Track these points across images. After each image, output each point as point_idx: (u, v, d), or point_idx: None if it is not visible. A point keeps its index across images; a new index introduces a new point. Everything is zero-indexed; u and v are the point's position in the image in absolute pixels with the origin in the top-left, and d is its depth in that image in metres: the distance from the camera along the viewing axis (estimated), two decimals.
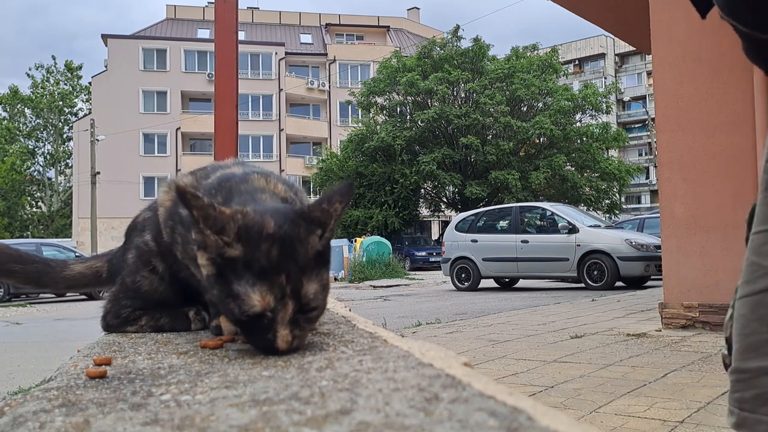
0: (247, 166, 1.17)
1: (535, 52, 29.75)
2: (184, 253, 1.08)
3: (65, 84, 47.05)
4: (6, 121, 45.96)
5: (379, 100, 29.76)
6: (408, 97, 28.94)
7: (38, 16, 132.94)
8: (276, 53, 41.66)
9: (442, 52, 29.16)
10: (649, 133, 46.62)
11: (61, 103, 46.61)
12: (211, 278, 0.86)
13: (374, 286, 15.23)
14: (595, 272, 10.75)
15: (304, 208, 0.90)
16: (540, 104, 28.77)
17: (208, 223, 0.83)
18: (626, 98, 57.02)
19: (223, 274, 0.84)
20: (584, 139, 27.73)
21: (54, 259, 1.33)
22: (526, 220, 12.43)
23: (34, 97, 45.93)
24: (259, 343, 0.84)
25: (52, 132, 47.05)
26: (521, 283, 13.09)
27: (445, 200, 30.06)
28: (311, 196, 35.00)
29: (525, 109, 28.87)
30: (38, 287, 1.28)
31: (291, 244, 0.84)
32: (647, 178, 51.94)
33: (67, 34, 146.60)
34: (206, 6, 44.85)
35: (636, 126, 55.78)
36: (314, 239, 0.86)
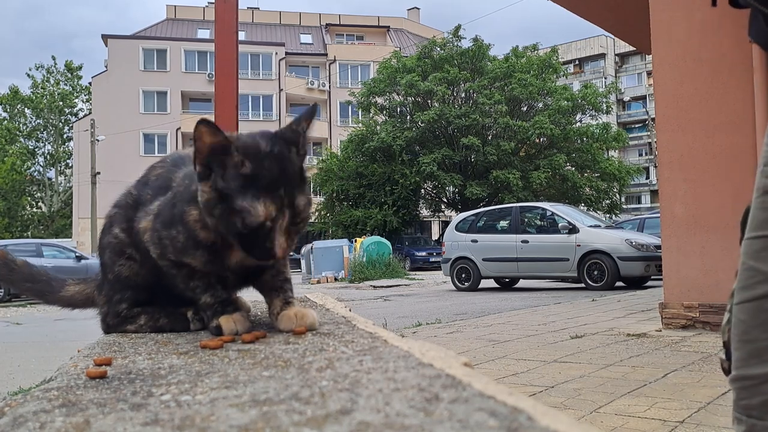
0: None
1: (535, 52, 29.74)
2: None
3: (65, 84, 47.05)
4: (6, 122, 45.95)
5: (379, 100, 29.76)
6: (408, 98, 28.95)
7: (37, 15, 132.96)
8: (276, 53, 41.66)
9: (443, 52, 29.16)
10: (649, 133, 46.61)
11: (61, 103, 46.60)
12: (211, 202, 0.95)
13: (374, 287, 15.23)
14: (596, 272, 10.75)
15: (277, 132, 0.99)
16: (540, 104, 28.77)
17: (215, 147, 0.93)
18: (626, 98, 57.01)
19: (225, 195, 0.94)
20: (584, 139, 27.74)
21: (55, 278, 1.48)
22: (526, 220, 12.42)
23: (34, 98, 45.93)
24: (256, 252, 0.95)
25: (52, 132, 47.05)
26: (521, 283, 13.08)
27: (445, 200, 30.06)
28: (311, 196, 34.89)
29: (525, 109, 28.88)
30: (42, 302, 1.46)
31: (283, 160, 0.94)
32: (647, 178, 51.93)
33: (65, 34, 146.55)
34: (206, 6, 44.86)
35: (636, 126, 55.77)
36: (294, 156, 0.96)
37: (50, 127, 46.95)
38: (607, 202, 28.85)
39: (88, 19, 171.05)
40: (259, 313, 1.34)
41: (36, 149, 47.56)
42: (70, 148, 45.68)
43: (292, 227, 0.95)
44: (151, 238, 1.13)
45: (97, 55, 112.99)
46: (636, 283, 10.92)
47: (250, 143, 0.95)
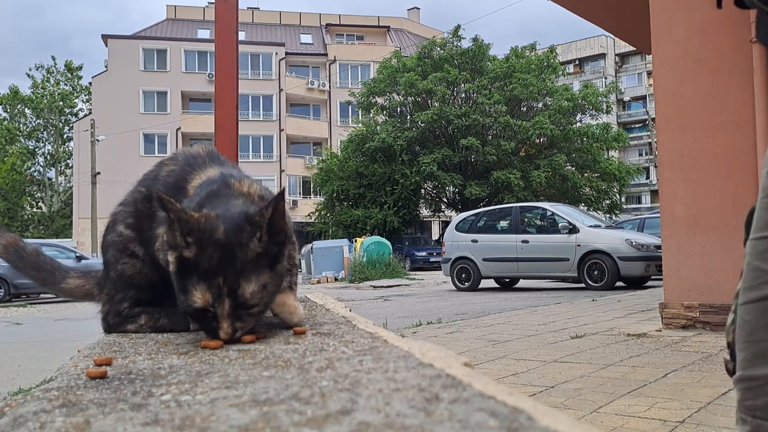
0: (223, 165, 1.27)
1: (534, 51, 29.75)
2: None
3: (65, 84, 47.06)
4: (6, 122, 45.96)
5: (379, 100, 29.77)
6: (408, 98, 28.95)
7: (36, 15, 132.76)
8: (276, 53, 41.66)
9: (443, 52, 29.17)
10: (649, 133, 46.63)
11: (61, 103, 46.61)
12: (174, 274, 0.98)
13: (374, 287, 15.23)
14: (596, 272, 10.75)
15: (253, 212, 1.00)
16: (540, 104, 28.78)
17: (180, 224, 0.96)
18: (626, 98, 57.01)
19: (181, 271, 0.97)
20: (584, 139, 27.74)
21: (58, 268, 1.50)
22: (526, 220, 12.42)
23: (34, 98, 45.94)
24: (209, 332, 0.97)
25: (52, 132, 47.05)
26: (521, 283, 13.08)
27: (445, 200, 30.07)
28: (311, 196, 34.60)
29: (525, 109, 28.89)
30: (43, 289, 1.54)
31: (231, 248, 0.96)
32: (647, 178, 51.93)
33: (64, 33, 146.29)
34: (206, 6, 44.86)
35: (636, 126, 55.77)
36: (254, 242, 0.97)
37: (50, 127, 46.96)
38: (607, 202, 28.85)
39: (88, 19, 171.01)
40: None
41: (36, 149, 47.58)
42: (70, 148, 45.69)
43: (243, 311, 0.95)
44: (161, 246, 1.14)
45: (97, 54, 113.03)
46: (636, 283, 10.92)
47: (207, 226, 0.97)
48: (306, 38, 45.16)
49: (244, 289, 0.95)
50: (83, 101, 47.22)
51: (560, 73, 30.10)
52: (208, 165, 1.25)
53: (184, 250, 0.96)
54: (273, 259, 0.99)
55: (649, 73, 52.34)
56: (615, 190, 29.14)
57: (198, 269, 0.95)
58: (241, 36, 38.55)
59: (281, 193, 1.00)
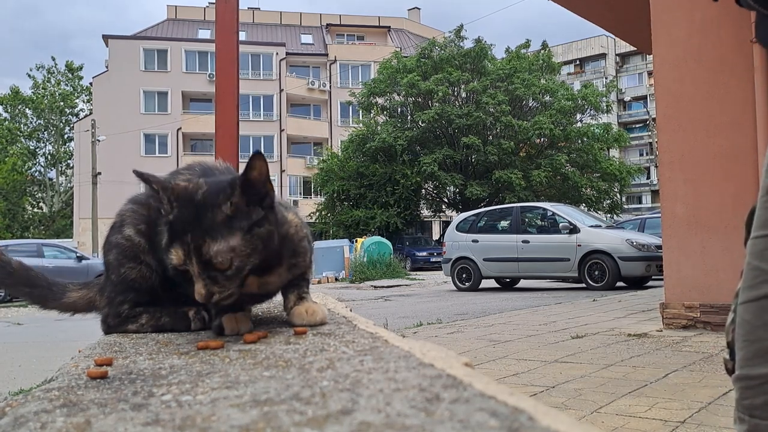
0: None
1: (528, 49, 29.77)
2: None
3: (66, 85, 47.08)
4: (7, 122, 45.98)
5: (380, 100, 29.77)
6: (409, 98, 28.96)
7: (34, 15, 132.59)
8: (277, 53, 41.67)
9: (443, 52, 29.17)
10: (650, 133, 46.61)
11: (62, 103, 46.63)
12: (164, 240, 1.02)
13: (375, 287, 15.23)
14: (596, 272, 10.75)
15: (236, 177, 1.02)
16: (539, 104, 28.80)
17: (165, 192, 0.99)
18: (627, 98, 57.00)
19: (166, 235, 1.01)
20: (585, 139, 27.76)
21: (56, 284, 1.43)
22: (527, 220, 12.42)
23: (35, 98, 45.96)
24: (191, 295, 0.99)
25: (53, 132, 47.08)
26: (522, 283, 13.08)
27: (446, 200, 30.07)
28: (312, 196, 34.62)
29: (525, 110, 28.90)
30: (42, 308, 1.41)
31: (203, 209, 0.98)
32: (648, 178, 51.92)
33: (63, 33, 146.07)
34: (207, 6, 44.88)
35: (637, 126, 55.76)
36: (227, 206, 0.98)
37: (51, 128, 46.98)
38: (608, 202, 28.86)
39: (86, 19, 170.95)
40: (260, 313, 1.34)
41: (37, 149, 47.61)
42: (71, 148, 45.70)
43: (216, 273, 0.97)
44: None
45: (95, 54, 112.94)
46: (637, 283, 10.92)
47: (188, 191, 1.00)
48: (306, 38, 45.17)
49: (208, 247, 0.95)
50: (84, 101, 47.27)
51: (557, 70, 30.09)
52: (226, 176, 1.22)
53: (169, 215, 0.99)
54: (253, 223, 0.99)
55: (649, 73, 52.35)
56: (616, 190, 29.15)
57: (174, 229, 0.98)
58: (242, 36, 38.53)
59: (257, 153, 1.00)
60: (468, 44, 29.35)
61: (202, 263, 0.95)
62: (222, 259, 0.95)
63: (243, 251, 0.97)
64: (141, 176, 1.03)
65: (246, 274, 1.00)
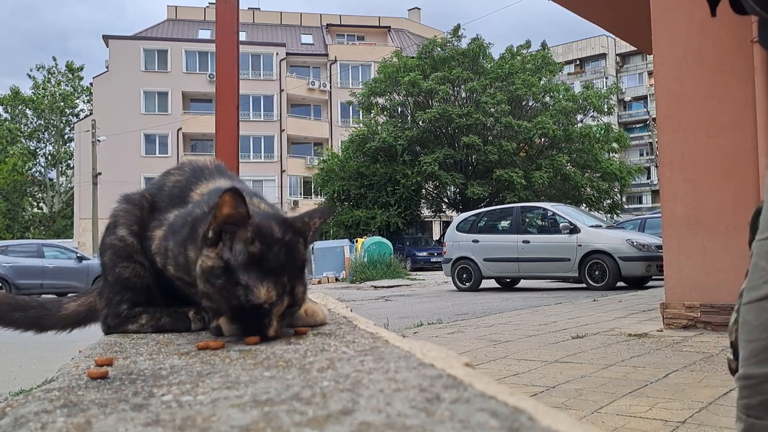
0: (231, 179, 1.27)
1: (529, 50, 29.77)
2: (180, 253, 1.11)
3: (66, 85, 47.09)
4: (7, 122, 46.00)
5: (380, 100, 29.77)
6: (409, 98, 28.96)
7: (32, 15, 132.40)
8: (277, 54, 41.67)
9: (443, 52, 29.18)
10: (650, 133, 46.60)
11: (62, 103, 46.64)
12: (216, 270, 0.96)
13: (375, 287, 15.23)
14: (597, 272, 10.75)
15: (288, 219, 1.04)
16: (539, 104, 28.80)
17: (232, 219, 0.96)
18: (627, 98, 56.99)
19: (231, 267, 0.95)
20: (585, 140, 27.76)
21: (49, 301, 1.35)
22: (527, 220, 12.42)
23: (35, 98, 45.98)
24: (249, 328, 0.96)
25: (53, 133, 47.09)
26: (522, 283, 13.08)
27: (446, 200, 30.07)
28: (312, 196, 34.61)
29: (525, 110, 28.89)
30: (40, 331, 1.32)
31: (292, 249, 0.99)
32: (648, 178, 51.91)
33: (61, 33, 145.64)
34: (207, 6, 44.88)
35: (637, 126, 55.75)
36: (301, 246, 1.01)
37: (51, 128, 47.00)
38: (608, 202, 28.85)
39: (85, 19, 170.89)
40: None
41: (37, 150, 47.61)
42: (72, 148, 45.72)
43: (287, 310, 0.99)
44: (158, 249, 1.14)
45: (94, 54, 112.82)
46: (637, 283, 10.92)
47: (263, 224, 0.98)
48: (307, 38, 45.17)
49: (298, 290, 0.98)
50: (84, 102, 47.28)
51: (557, 69, 30.09)
52: (216, 177, 1.24)
53: (248, 246, 0.96)
54: (306, 263, 1.04)
55: (650, 73, 52.31)
56: (616, 190, 29.15)
57: (262, 265, 0.95)
58: (242, 36, 38.45)
59: (331, 209, 1.12)
60: (466, 43, 29.36)
61: (290, 304, 0.98)
62: (302, 302, 1.01)
63: (306, 292, 1.03)
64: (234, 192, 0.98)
65: None
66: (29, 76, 46.44)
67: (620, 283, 10.73)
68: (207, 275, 0.98)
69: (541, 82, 28.20)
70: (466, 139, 26.33)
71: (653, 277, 10.82)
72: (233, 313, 0.97)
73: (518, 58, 28.88)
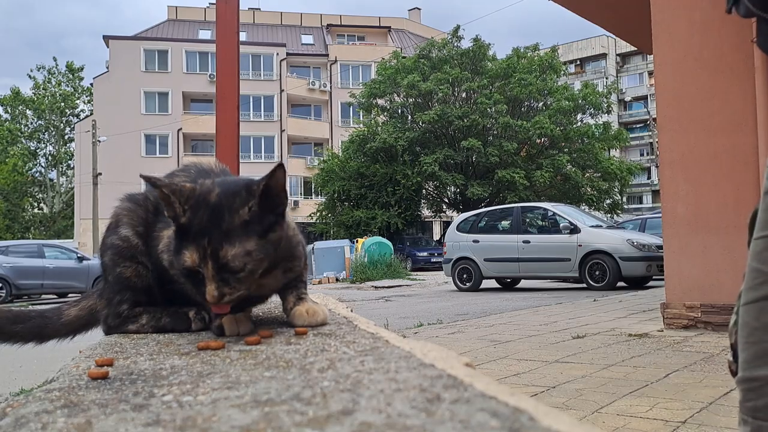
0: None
1: (536, 52, 29.77)
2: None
3: (67, 85, 47.10)
4: (8, 123, 46.02)
5: (380, 101, 29.78)
6: (409, 99, 28.97)
7: (26, 14, 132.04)
8: (277, 54, 41.68)
9: (441, 52, 29.18)
10: (650, 133, 46.60)
11: (62, 104, 46.66)
12: (173, 243, 1.03)
13: (376, 287, 15.23)
14: (597, 272, 10.74)
15: (253, 182, 1.02)
16: (540, 104, 28.80)
17: (176, 195, 0.99)
18: (628, 98, 56.99)
19: (176, 237, 1.01)
20: (585, 139, 27.76)
21: (48, 309, 1.33)
22: (527, 220, 12.42)
23: (35, 99, 46.00)
24: (201, 295, 1.00)
25: (53, 133, 47.11)
26: (523, 283, 13.08)
27: (446, 201, 30.07)
28: (312, 196, 34.57)
29: (525, 109, 28.89)
30: (42, 341, 1.30)
31: (220, 211, 0.99)
32: (649, 178, 51.90)
33: (56, 32, 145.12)
34: (207, 7, 44.90)
35: (637, 126, 55.74)
36: (244, 210, 0.99)
37: (52, 128, 47.01)
38: (609, 201, 28.85)
39: (80, 18, 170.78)
40: (260, 314, 1.34)
41: (37, 150, 47.63)
42: (72, 149, 45.75)
43: (228, 275, 0.97)
44: (166, 247, 1.14)
45: (90, 53, 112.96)
46: (637, 283, 10.91)
47: (200, 192, 1.01)
48: (307, 39, 45.18)
49: (226, 251, 0.96)
50: (85, 102, 47.29)
51: (562, 73, 30.09)
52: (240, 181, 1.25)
53: (181, 218, 0.99)
54: (266, 228, 1.01)
55: (650, 73, 52.30)
56: (616, 189, 29.15)
57: (189, 231, 0.98)
58: (242, 36, 38.49)
59: (280, 164, 1.02)
60: (466, 44, 29.38)
61: (218, 266, 0.96)
62: (239, 264, 0.97)
63: (257, 255, 0.99)
64: (149, 180, 1.03)
65: (256, 278, 1.01)
66: (29, 76, 46.47)
67: (621, 283, 10.73)
68: (169, 248, 1.04)
69: (547, 83, 28.14)
70: (465, 143, 26.33)
71: (654, 277, 10.82)
72: (186, 279, 1.02)
73: (524, 60, 28.84)
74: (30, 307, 1.31)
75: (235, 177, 1.11)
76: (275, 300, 1.25)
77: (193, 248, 0.97)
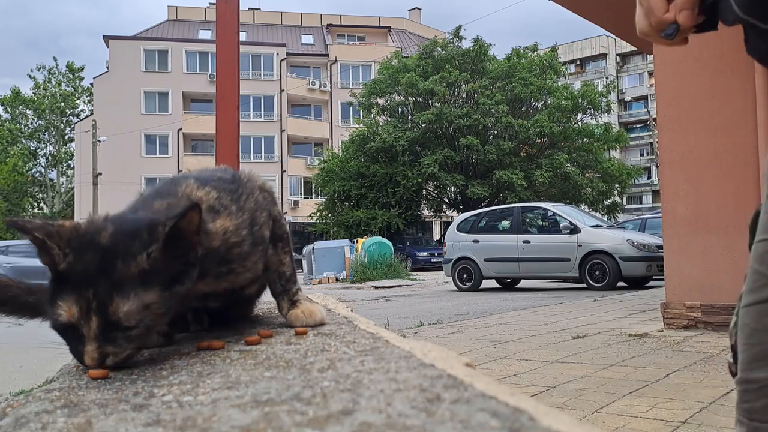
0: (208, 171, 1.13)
1: (536, 52, 29.78)
2: None
3: (67, 85, 47.11)
4: (8, 123, 46.02)
5: (380, 101, 29.78)
6: (409, 98, 28.98)
7: (23, 14, 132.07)
8: (277, 54, 41.70)
9: (443, 52, 29.19)
10: (650, 133, 46.60)
11: (63, 104, 46.67)
12: (49, 287, 0.84)
13: (376, 287, 15.23)
14: (597, 272, 10.75)
15: (158, 222, 0.83)
16: (540, 104, 28.81)
17: (53, 240, 0.81)
18: (628, 98, 56.99)
19: (52, 284, 0.83)
20: (585, 139, 27.76)
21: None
22: (527, 220, 12.42)
23: (36, 99, 46.00)
24: (77, 355, 0.82)
25: (53, 133, 47.10)
26: (523, 283, 13.08)
27: (446, 201, 30.07)
28: (312, 196, 34.51)
29: (524, 109, 28.90)
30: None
31: (112, 257, 0.80)
32: (649, 178, 51.88)
33: (54, 32, 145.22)
34: (207, 7, 44.92)
35: (638, 126, 55.73)
36: (143, 257, 0.81)
37: (52, 128, 47.01)
38: (608, 202, 28.86)
39: (77, 17, 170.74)
40: (261, 314, 1.34)
41: (38, 150, 47.63)
42: (72, 149, 45.76)
43: (118, 333, 0.79)
44: None
45: (88, 53, 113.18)
46: (638, 283, 10.92)
47: (85, 232, 0.83)
48: (307, 39, 45.19)
49: (117, 307, 0.78)
50: (85, 102, 47.30)
51: (561, 73, 30.09)
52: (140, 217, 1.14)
53: (60, 264, 0.81)
54: (172, 279, 0.84)
55: (650, 73, 52.29)
56: (616, 191, 29.16)
57: (71, 278, 0.80)
58: (243, 36, 38.53)
59: (195, 204, 0.84)
60: (467, 44, 29.39)
61: (107, 323, 0.79)
62: (134, 322, 0.80)
63: (157, 310, 0.82)
64: (15, 226, 0.85)
65: (152, 337, 0.86)
66: (30, 76, 46.45)
67: (621, 283, 10.73)
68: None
69: (547, 83, 28.14)
70: (464, 140, 26.34)
71: (654, 277, 10.82)
72: (60, 335, 0.84)
73: (524, 60, 28.85)
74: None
75: (136, 214, 0.91)
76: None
77: (73, 300, 0.79)
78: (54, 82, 46.65)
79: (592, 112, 28.85)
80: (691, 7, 0.89)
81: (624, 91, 56.54)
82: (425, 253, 26.52)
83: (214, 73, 3.41)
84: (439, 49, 29.59)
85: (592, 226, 11.50)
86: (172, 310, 0.85)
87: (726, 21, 0.90)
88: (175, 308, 0.86)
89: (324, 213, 29.73)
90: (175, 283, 0.84)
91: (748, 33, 0.89)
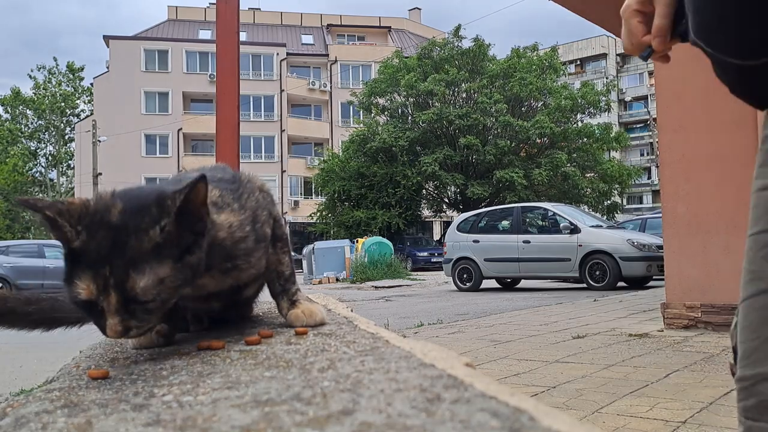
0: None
1: (535, 52, 29.79)
2: None
3: (67, 85, 47.12)
4: (8, 123, 46.04)
5: (380, 101, 29.79)
6: (409, 98, 28.99)
7: (21, 13, 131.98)
8: (277, 54, 41.71)
9: (443, 52, 29.20)
10: (651, 133, 46.60)
11: (63, 104, 46.67)
12: (64, 267, 0.85)
13: (376, 287, 15.23)
14: (597, 272, 10.74)
15: (167, 195, 0.84)
16: (540, 104, 28.81)
17: (63, 216, 0.83)
18: (628, 98, 56.99)
19: (68, 260, 0.84)
20: (585, 139, 27.77)
21: (60, 294, 1.21)
22: (527, 220, 12.42)
23: (36, 99, 46.02)
24: (99, 328, 0.84)
25: (54, 133, 47.12)
26: (523, 283, 13.08)
27: (446, 201, 30.08)
28: (313, 196, 34.53)
29: (524, 109, 28.90)
30: (52, 326, 1.17)
31: (125, 233, 0.82)
32: (649, 178, 51.88)
33: (52, 31, 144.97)
34: (208, 7, 44.92)
35: (638, 126, 55.73)
36: (155, 231, 0.82)
37: (52, 128, 47.03)
38: (608, 203, 28.87)
39: (75, 16, 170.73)
40: (260, 313, 1.34)
41: (38, 150, 47.65)
42: (72, 149, 45.77)
43: (138, 306, 0.82)
44: None
45: (87, 53, 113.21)
46: (638, 283, 10.91)
47: (95, 209, 0.84)
48: (307, 39, 45.20)
49: (133, 282, 0.81)
50: (85, 102, 47.31)
51: (561, 73, 30.10)
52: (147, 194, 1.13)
53: (73, 241, 0.82)
54: (184, 250, 0.86)
55: (650, 73, 52.30)
56: (615, 192, 29.16)
57: (86, 256, 0.82)
58: (243, 36, 38.57)
59: (202, 176, 0.86)
60: (467, 44, 29.40)
61: (126, 299, 0.81)
62: (151, 296, 0.82)
63: (172, 283, 0.84)
64: (26, 204, 0.85)
65: (169, 306, 0.88)
66: (30, 76, 46.46)
67: (621, 283, 10.73)
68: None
69: (546, 83, 28.15)
70: (463, 140, 26.34)
71: (654, 277, 10.81)
72: (81, 310, 0.86)
73: (523, 60, 28.85)
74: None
75: (140, 188, 0.92)
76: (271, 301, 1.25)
77: (90, 277, 0.81)
78: (54, 82, 46.66)
79: (592, 111, 28.85)
80: (662, 35, 0.98)
81: (624, 91, 56.54)
82: (425, 253, 26.53)
83: (214, 73, 3.41)
84: (438, 48, 29.60)
85: (592, 226, 11.50)
86: (187, 283, 0.87)
87: (687, 38, 0.93)
88: (189, 281, 0.88)
89: (324, 213, 29.73)
90: (186, 254, 0.86)
91: (709, 57, 0.90)
